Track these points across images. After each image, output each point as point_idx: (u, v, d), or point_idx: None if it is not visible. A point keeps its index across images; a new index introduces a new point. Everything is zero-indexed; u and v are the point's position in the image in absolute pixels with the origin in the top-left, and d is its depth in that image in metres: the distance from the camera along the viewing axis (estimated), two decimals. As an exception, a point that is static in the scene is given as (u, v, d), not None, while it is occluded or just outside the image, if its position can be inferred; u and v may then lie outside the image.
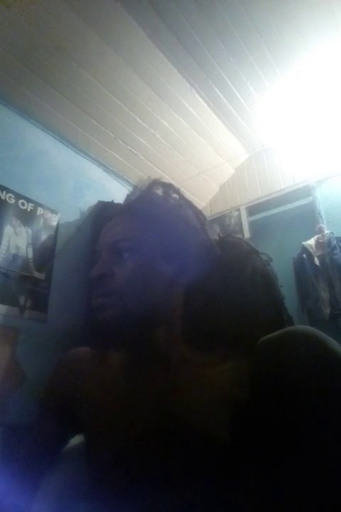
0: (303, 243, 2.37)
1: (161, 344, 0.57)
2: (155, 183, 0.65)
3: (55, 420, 0.63)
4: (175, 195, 0.64)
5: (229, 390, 0.51)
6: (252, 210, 2.90)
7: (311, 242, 2.35)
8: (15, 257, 1.94)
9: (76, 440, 0.67)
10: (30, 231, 2.05)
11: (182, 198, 0.64)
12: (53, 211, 2.21)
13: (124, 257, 0.57)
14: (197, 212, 0.65)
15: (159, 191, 0.64)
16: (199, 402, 0.51)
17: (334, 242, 2.25)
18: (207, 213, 3.00)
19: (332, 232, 2.31)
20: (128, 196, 0.67)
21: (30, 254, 2.02)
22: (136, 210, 0.61)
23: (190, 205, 0.64)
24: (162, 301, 0.57)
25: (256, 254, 0.66)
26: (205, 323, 0.57)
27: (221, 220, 3.00)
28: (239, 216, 2.94)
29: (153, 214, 0.60)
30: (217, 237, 0.66)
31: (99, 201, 2.50)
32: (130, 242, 0.57)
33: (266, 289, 0.63)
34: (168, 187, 0.64)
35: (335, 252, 2.22)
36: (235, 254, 0.65)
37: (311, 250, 2.31)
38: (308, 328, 0.47)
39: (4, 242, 1.91)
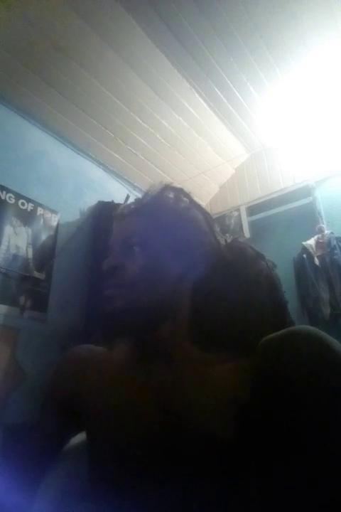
0: (303, 243, 2.37)
1: (166, 340, 0.58)
2: (167, 187, 0.67)
3: (57, 418, 0.63)
4: (186, 199, 0.67)
5: (231, 389, 0.51)
6: (252, 210, 2.90)
7: (311, 242, 2.35)
8: (15, 257, 1.94)
9: (77, 439, 0.67)
10: (30, 231, 2.05)
11: (191, 201, 0.67)
12: (53, 211, 2.21)
13: (135, 252, 0.59)
14: (206, 215, 0.68)
15: (170, 195, 0.66)
16: (201, 401, 0.51)
17: (334, 242, 2.25)
18: (207, 213, 2.99)
19: (332, 232, 2.31)
20: (140, 198, 0.69)
21: (30, 254, 2.02)
22: (148, 211, 0.64)
23: (199, 208, 0.67)
24: (170, 296, 0.59)
25: (261, 259, 0.68)
26: (210, 323, 0.58)
27: (221, 220, 3.00)
28: (239, 216, 2.94)
29: (164, 214, 0.63)
30: (223, 242, 0.68)
31: (99, 201, 2.50)
32: (141, 238, 0.60)
33: (270, 292, 0.65)
34: (179, 191, 0.67)
35: (335, 252, 2.22)
36: (241, 256, 0.67)
37: (311, 250, 2.31)
38: (310, 328, 0.47)
39: (4, 242, 1.91)
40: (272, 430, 0.43)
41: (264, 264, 0.67)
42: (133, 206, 0.67)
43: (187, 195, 0.67)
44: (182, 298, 0.60)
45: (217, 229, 0.69)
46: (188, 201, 0.67)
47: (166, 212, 0.63)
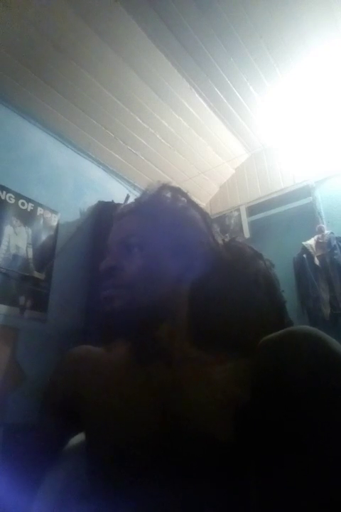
0: (303, 243, 2.37)
1: (165, 340, 0.58)
2: (165, 187, 0.67)
3: (56, 418, 0.63)
4: (183, 199, 0.66)
5: (230, 389, 0.51)
6: (252, 210, 2.90)
7: (311, 242, 2.35)
8: (15, 257, 1.94)
9: (76, 439, 0.67)
10: (30, 231, 2.05)
11: (189, 201, 0.67)
12: (53, 211, 2.21)
13: (134, 252, 0.59)
14: (204, 215, 0.67)
15: (168, 194, 0.66)
16: (201, 401, 0.51)
17: (334, 242, 2.25)
18: (207, 213, 2.99)
19: (332, 232, 2.31)
20: (138, 198, 0.69)
21: (30, 254, 2.02)
22: (145, 210, 0.63)
23: (197, 208, 0.67)
24: (168, 296, 0.59)
25: (259, 258, 0.68)
26: (209, 322, 0.58)
27: (221, 220, 3.00)
28: (239, 216, 2.94)
29: (162, 214, 0.62)
30: (221, 242, 0.67)
31: (99, 201, 2.50)
32: (139, 238, 0.60)
33: (269, 292, 0.65)
34: (177, 191, 0.67)
35: (335, 252, 2.22)
36: (239, 256, 0.67)
37: (311, 250, 2.31)
38: (310, 328, 0.47)
39: (4, 242, 1.91)
40: (272, 430, 0.43)
41: (262, 263, 0.67)
42: (130, 206, 0.66)
43: (185, 194, 0.67)
44: (181, 298, 0.60)
45: (217, 229, 0.68)
46: (186, 201, 0.66)
47: (164, 211, 0.63)
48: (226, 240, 0.70)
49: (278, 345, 0.46)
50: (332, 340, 0.45)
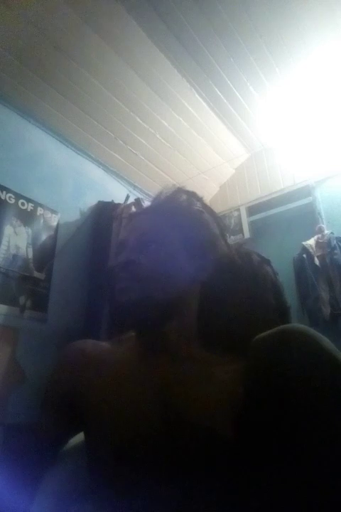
0: (303, 243, 2.37)
1: (172, 337, 0.59)
2: (180, 190, 0.69)
3: (57, 416, 0.63)
4: (198, 202, 0.68)
5: (233, 389, 0.51)
6: (252, 210, 2.90)
7: (311, 242, 2.35)
8: (15, 257, 1.94)
9: (76, 439, 0.67)
10: (30, 231, 2.05)
11: (203, 205, 0.68)
12: (53, 211, 2.21)
13: (150, 248, 0.61)
14: (217, 219, 0.69)
15: (183, 197, 0.68)
16: (203, 399, 0.52)
17: (334, 242, 2.26)
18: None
19: (332, 232, 2.31)
20: (154, 199, 0.70)
21: (30, 254, 2.02)
22: (162, 211, 0.65)
23: (211, 212, 0.69)
24: (181, 295, 0.60)
25: (267, 264, 0.70)
26: (217, 324, 0.60)
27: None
28: (239, 216, 2.94)
29: (178, 215, 0.64)
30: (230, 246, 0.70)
31: (99, 201, 2.50)
32: (156, 235, 0.62)
33: (275, 297, 0.67)
34: (191, 195, 0.69)
35: (335, 252, 2.23)
36: (248, 261, 0.69)
37: (311, 250, 2.32)
38: (302, 326, 0.48)
39: (4, 242, 1.91)
40: (266, 428, 0.43)
41: (270, 269, 0.70)
42: (147, 206, 0.68)
43: (200, 199, 0.69)
44: (192, 298, 0.62)
45: (227, 233, 0.70)
46: (200, 205, 0.68)
47: (180, 213, 0.64)
48: (236, 245, 0.72)
49: (271, 344, 0.47)
50: (322, 338, 0.46)
